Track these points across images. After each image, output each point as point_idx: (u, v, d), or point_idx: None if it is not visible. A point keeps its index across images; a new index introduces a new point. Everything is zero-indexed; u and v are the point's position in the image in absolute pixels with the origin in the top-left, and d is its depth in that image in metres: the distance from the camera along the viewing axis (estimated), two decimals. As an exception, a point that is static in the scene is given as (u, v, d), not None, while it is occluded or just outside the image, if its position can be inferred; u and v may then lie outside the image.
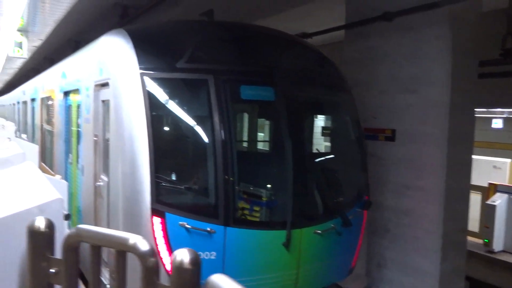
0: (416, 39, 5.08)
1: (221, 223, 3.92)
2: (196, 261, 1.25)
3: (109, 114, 4.64)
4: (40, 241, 1.43)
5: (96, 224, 5.02)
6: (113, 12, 9.06)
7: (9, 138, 7.28)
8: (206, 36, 4.47)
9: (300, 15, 6.74)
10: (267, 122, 4.48)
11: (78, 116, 6.26)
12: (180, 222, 3.85)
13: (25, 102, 14.27)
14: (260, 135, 4.45)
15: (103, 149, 4.93)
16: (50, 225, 1.43)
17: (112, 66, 4.34)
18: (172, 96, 4.19)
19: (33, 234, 1.42)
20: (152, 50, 4.32)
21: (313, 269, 4.42)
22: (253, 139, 4.33)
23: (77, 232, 1.37)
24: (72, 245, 1.38)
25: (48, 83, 8.54)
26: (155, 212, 3.85)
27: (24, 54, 7.80)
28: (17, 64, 14.91)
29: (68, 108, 6.98)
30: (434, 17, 4.83)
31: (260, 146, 4.42)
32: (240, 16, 7.06)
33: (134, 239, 1.29)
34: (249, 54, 4.47)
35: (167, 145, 4.13)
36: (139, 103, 4.03)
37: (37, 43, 9.21)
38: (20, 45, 7.65)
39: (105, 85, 4.71)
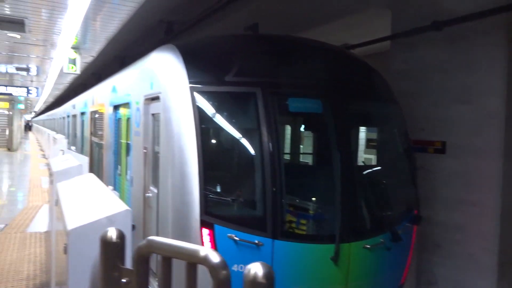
0: (469, 48, 4.91)
1: (269, 235, 3.91)
2: (269, 276, 1.24)
3: (159, 127, 4.77)
4: (112, 251, 1.48)
5: (144, 235, 5.14)
6: (158, 29, 9.36)
7: (62, 150, 7.66)
8: (253, 50, 4.53)
9: (343, 26, 6.70)
10: (315, 134, 4.44)
11: (127, 129, 6.48)
12: (229, 234, 3.87)
13: (74, 116, 14.93)
14: (308, 147, 4.42)
15: (153, 161, 5.07)
16: (121, 236, 1.48)
17: (163, 80, 4.47)
18: (221, 109, 4.26)
19: (106, 244, 1.47)
20: (201, 64, 4.42)
21: (361, 284, 4.30)
22: (301, 152, 4.31)
23: (148, 243, 1.41)
24: (143, 256, 1.41)
25: (98, 97, 8.91)
26: (204, 223, 3.89)
27: (77, 70, 8.19)
28: (67, 79, 15.67)
29: (117, 122, 7.24)
30: (488, 25, 4.66)
31: (309, 158, 4.38)
32: (282, 29, 7.11)
33: (205, 251, 1.30)
34: (296, 67, 4.48)
35: (216, 157, 4.19)
36: (189, 116, 4.11)
37: (88, 59, 9.64)
38: (74, 62, 8.06)
39: (155, 99, 4.85)
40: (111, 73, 13.67)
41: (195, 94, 4.18)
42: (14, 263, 5.70)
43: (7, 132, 27.32)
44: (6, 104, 26.54)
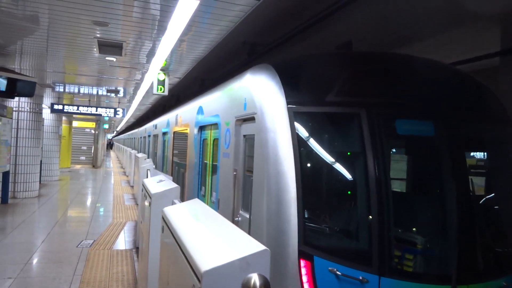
0: None
1: (375, 272, 3.51)
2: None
3: (253, 149, 4.60)
4: (255, 301, 1.24)
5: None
6: (241, 50, 9.42)
7: (148, 169, 7.81)
8: (354, 68, 4.23)
9: (442, 42, 6.19)
10: (426, 160, 4.00)
11: (214, 150, 6.42)
12: (330, 268, 3.54)
13: (155, 136, 15.51)
14: (418, 174, 3.98)
15: (243, 184, 4.89)
16: (267, 285, 1.23)
17: (258, 101, 4.30)
18: (321, 131, 3.99)
19: (249, 294, 1.25)
20: (299, 84, 4.20)
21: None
22: (410, 179, 3.88)
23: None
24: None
25: (182, 118, 9.06)
26: (302, 254, 3.59)
27: (165, 91, 8.41)
28: (150, 101, 16.37)
29: (202, 142, 7.24)
30: None
31: (419, 186, 3.94)
32: (376, 47, 6.75)
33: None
34: (400, 85, 4.10)
35: (316, 183, 3.89)
36: (287, 138, 3.89)
37: (174, 81, 9.90)
38: (163, 83, 8.28)
39: (248, 119, 4.71)
40: (190, 94, 14.08)
41: (293, 114, 3.96)
42: (104, 281, 5.77)
43: (92, 150, 29.24)
44: (93, 124, 28.50)
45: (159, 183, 4.10)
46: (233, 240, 1.65)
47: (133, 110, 19.37)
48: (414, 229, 3.76)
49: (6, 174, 11.71)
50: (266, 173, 3.99)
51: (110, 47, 6.39)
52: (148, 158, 14.74)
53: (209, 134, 6.71)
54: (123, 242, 8.10)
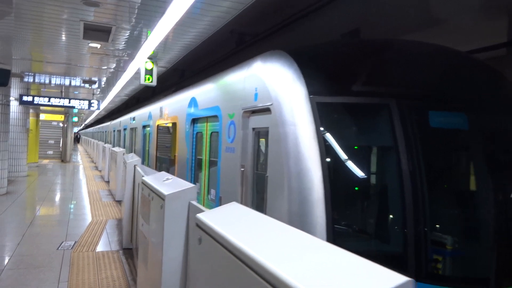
0: None
1: (411, 276, 3.22)
2: None
3: (265, 143, 4.23)
4: None
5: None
6: (229, 40, 8.99)
7: (135, 165, 7.28)
8: (381, 56, 3.91)
9: (451, 29, 5.98)
10: (459, 155, 3.73)
11: (212, 145, 6.00)
12: (362, 273, 3.22)
13: (133, 129, 14.81)
14: (450, 170, 3.71)
15: (253, 182, 4.51)
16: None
17: (274, 91, 3.91)
18: (348, 124, 3.66)
19: None
20: (321, 72, 3.84)
21: None
22: (444, 175, 3.61)
23: None
24: None
25: (169, 110, 8.54)
26: (331, 259, 3.26)
27: (153, 81, 7.85)
28: (126, 92, 15.62)
29: (196, 136, 6.79)
30: None
31: (454, 183, 3.67)
32: (381, 35, 6.47)
33: None
34: (430, 75, 3.81)
35: (344, 181, 3.56)
36: (310, 132, 3.54)
37: (160, 70, 9.35)
38: (151, 73, 7.72)
39: (259, 111, 4.32)
40: (174, 85, 13.47)
41: (317, 105, 3.61)
42: (93, 287, 5.27)
43: (61, 144, 27.98)
44: (61, 117, 27.25)
45: (167, 181, 3.66)
46: (336, 262, 1.29)
47: (108, 102, 18.52)
48: (450, 230, 3.49)
49: (-29, 171, 10.84)
50: (286, 171, 3.63)
51: (97, 31, 5.81)
52: (125, 152, 14.08)
53: (205, 127, 6.27)
54: (107, 242, 7.55)
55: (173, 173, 8.03)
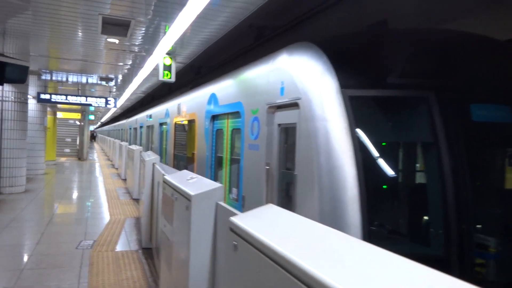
0: None
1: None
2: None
3: (292, 140, 4.02)
4: None
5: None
6: (247, 34, 8.79)
7: (154, 163, 7.15)
8: (418, 46, 3.66)
9: (484, 22, 5.67)
10: (502, 151, 3.48)
11: (233, 142, 5.82)
12: (400, 279, 3.00)
13: (149, 127, 14.74)
14: (494, 167, 3.46)
15: (279, 180, 4.31)
16: None
17: (303, 84, 3.71)
18: (382, 119, 3.43)
19: None
20: (352, 64, 3.62)
21: None
22: (488, 172, 3.36)
23: None
24: None
25: (187, 106, 8.39)
26: (367, 263, 3.05)
27: (172, 77, 7.68)
28: (142, 89, 15.55)
29: (216, 133, 6.62)
30: None
31: (498, 181, 3.42)
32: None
33: None
34: (471, 65, 3.56)
35: (380, 179, 3.33)
36: (342, 127, 3.32)
37: (178, 66, 9.19)
38: (169, 69, 7.56)
39: (286, 106, 4.12)
40: (187, 82, 13.33)
41: (350, 99, 3.39)
42: (113, 288, 5.15)
43: (78, 142, 28.18)
44: (78, 115, 27.42)
45: (191, 180, 3.48)
46: (388, 267, 1.11)
47: (125, 100, 18.50)
48: (496, 231, 3.24)
49: (-10, 169, 10.88)
50: (317, 168, 3.42)
51: (115, 25, 5.67)
52: (144, 150, 14.02)
53: (226, 124, 6.09)
54: (126, 242, 7.45)
55: (191, 171, 7.89)
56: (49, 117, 21.17)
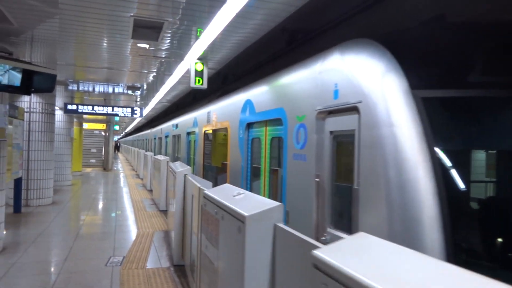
0: None
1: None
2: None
3: (349, 149, 3.56)
4: None
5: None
6: (280, 38, 8.40)
7: (186, 174, 6.77)
8: (498, 40, 3.17)
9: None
10: None
11: (273, 151, 5.39)
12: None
13: (175, 136, 14.47)
14: None
15: (332, 194, 3.85)
16: None
17: (365, 86, 3.25)
18: (463, 123, 2.94)
19: None
20: (422, 61, 3.15)
21: None
22: None
23: None
24: None
25: (218, 115, 8.02)
26: None
27: (204, 84, 7.32)
28: (168, 98, 15.32)
29: (251, 142, 6.20)
30: None
31: None
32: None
33: None
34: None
35: (464, 194, 2.83)
36: (415, 134, 2.85)
37: (209, 73, 8.85)
38: (201, 75, 7.20)
39: (340, 111, 3.66)
40: (217, 89, 13.01)
41: (422, 101, 2.92)
42: (147, 312, 4.75)
43: (103, 153, 28.27)
44: (103, 126, 27.53)
45: (238, 197, 3.05)
46: None
47: (150, 109, 18.35)
48: None
49: (18, 181, 10.72)
50: (384, 182, 2.94)
51: (147, 28, 5.34)
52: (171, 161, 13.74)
53: (263, 132, 5.66)
54: (156, 258, 7.07)
55: (223, 183, 7.48)
56: (75, 128, 21.23)
